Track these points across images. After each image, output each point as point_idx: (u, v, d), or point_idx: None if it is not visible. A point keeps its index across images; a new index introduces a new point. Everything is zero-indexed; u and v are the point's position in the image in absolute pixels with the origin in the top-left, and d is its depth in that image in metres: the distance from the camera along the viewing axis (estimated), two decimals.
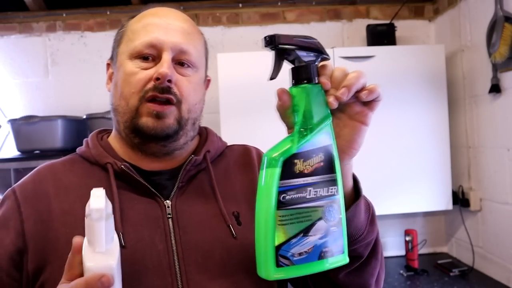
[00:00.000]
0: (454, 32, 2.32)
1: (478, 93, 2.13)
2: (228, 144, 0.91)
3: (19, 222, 0.74)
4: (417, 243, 2.28)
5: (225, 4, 2.48)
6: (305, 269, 0.56)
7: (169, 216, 0.75)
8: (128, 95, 0.75)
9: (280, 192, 0.55)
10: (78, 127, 2.19)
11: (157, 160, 0.80)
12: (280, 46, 0.58)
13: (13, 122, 2.11)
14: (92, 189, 0.58)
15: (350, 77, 0.59)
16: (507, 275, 1.96)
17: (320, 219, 0.57)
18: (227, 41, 2.48)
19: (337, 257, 0.58)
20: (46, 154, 2.05)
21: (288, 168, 0.55)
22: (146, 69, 0.75)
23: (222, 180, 0.82)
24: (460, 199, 2.25)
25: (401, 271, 2.19)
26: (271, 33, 0.58)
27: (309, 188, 0.56)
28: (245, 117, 2.08)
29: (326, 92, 0.59)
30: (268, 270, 0.55)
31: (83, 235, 0.56)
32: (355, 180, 0.70)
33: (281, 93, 0.59)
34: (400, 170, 2.16)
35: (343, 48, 2.33)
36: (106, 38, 2.44)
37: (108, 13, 2.45)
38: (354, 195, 0.70)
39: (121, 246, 0.70)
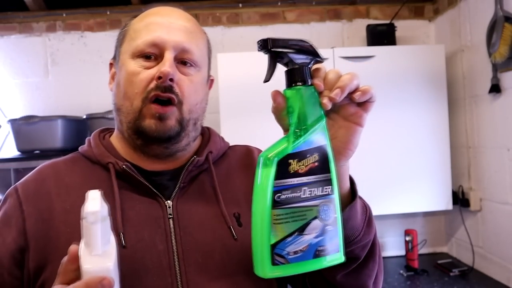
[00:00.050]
0: (454, 32, 2.32)
1: (478, 93, 2.13)
2: (231, 144, 0.91)
3: (21, 220, 0.74)
4: (417, 243, 2.28)
5: (225, 4, 2.48)
6: (300, 267, 0.57)
7: (170, 216, 0.75)
8: (132, 96, 0.75)
9: (275, 192, 0.56)
10: (78, 127, 2.19)
11: (159, 160, 0.80)
12: (273, 49, 0.59)
13: (13, 122, 2.12)
14: (93, 188, 0.58)
15: (343, 78, 0.60)
16: (507, 275, 1.96)
17: (315, 218, 0.58)
18: (227, 41, 2.48)
19: (333, 255, 0.59)
20: (46, 154, 2.05)
21: (283, 168, 0.57)
22: (148, 68, 0.75)
23: (224, 181, 0.82)
24: (460, 199, 2.25)
25: (401, 271, 2.20)
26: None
27: (304, 188, 0.57)
28: (245, 117, 2.08)
29: (320, 93, 0.60)
30: (264, 268, 0.56)
31: None
32: (352, 181, 0.70)
33: (275, 95, 0.60)
34: (400, 170, 2.16)
35: (343, 48, 2.33)
36: (106, 38, 2.44)
37: (108, 13, 2.45)
38: (351, 196, 0.70)
39: (122, 246, 0.70)
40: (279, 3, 2.48)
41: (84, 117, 2.17)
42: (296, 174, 0.57)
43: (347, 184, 0.69)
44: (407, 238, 2.28)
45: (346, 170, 0.67)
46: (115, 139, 0.83)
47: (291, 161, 0.57)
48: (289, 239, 0.56)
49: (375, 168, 2.12)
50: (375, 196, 2.11)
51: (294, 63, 0.60)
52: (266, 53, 0.60)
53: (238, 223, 0.77)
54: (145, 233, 0.73)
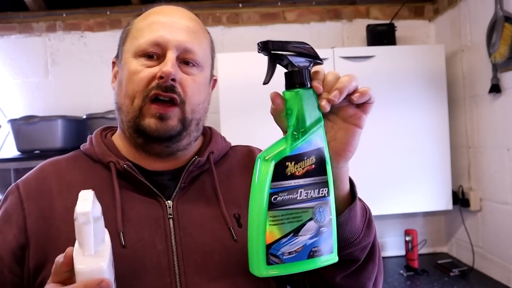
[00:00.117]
0: (454, 32, 2.32)
1: (478, 93, 2.13)
2: (232, 144, 0.91)
3: (22, 217, 0.74)
4: (417, 243, 2.28)
5: (225, 4, 2.48)
6: (294, 267, 0.58)
7: (170, 216, 0.75)
8: (132, 94, 0.75)
9: (271, 194, 0.57)
10: (78, 127, 2.19)
11: (160, 160, 0.80)
12: (272, 52, 0.60)
13: (13, 122, 2.12)
14: (94, 187, 0.58)
15: (342, 80, 0.60)
16: (507, 275, 1.96)
17: (310, 219, 0.59)
18: (227, 41, 2.48)
19: (327, 256, 0.60)
20: (46, 154, 2.05)
21: (280, 170, 0.57)
22: (150, 67, 0.75)
23: (225, 182, 0.81)
24: (460, 199, 2.25)
25: (401, 271, 2.20)
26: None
27: (300, 190, 0.58)
28: (245, 117, 2.08)
29: (318, 96, 0.60)
30: (259, 267, 0.58)
31: None
32: (351, 183, 0.70)
33: (274, 97, 0.60)
34: (400, 170, 2.16)
35: (343, 48, 2.33)
36: (106, 38, 2.44)
37: (108, 13, 2.45)
38: (351, 198, 0.70)
39: (121, 246, 0.70)
40: (279, 3, 2.48)
41: (84, 117, 2.17)
42: (293, 176, 0.58)
43: (346, 186, 0.68)
44: (407, 238, 2.28)
45: (345, 172, 0.67)
46: (117, 138, 0.83)
47: (288, 163, 0.58)
48: (284, 240, 0.57)
49: (375, 168, 2.12)
50: (375, 196, 2.11)
51: (294, 65, 0.60)
52: (266, 55, 0.61)
53: (238, 224, 0.77)
54: (145, 233, 0.73)
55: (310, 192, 0.59)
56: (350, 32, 2.53)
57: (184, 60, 0.76)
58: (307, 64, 0.61)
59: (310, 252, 0.59)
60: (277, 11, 2.51)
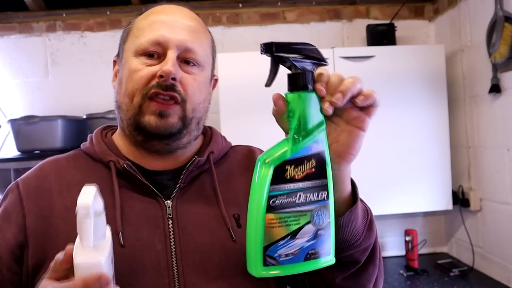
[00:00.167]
0: (454, 32, 2.32)
1: (478, 93, 2.13)
2: (233, 144, 0.91)
3: (21, 216, 0.74)
4: (417, 243, 2.28)
5: (225, 4, 2.48)
6: (290, 269, 0.59)
7: (169, 216, 0.75)
8: (132, 92, 0.75)
9: (270, 197, 0.57)
10: (78, 127, 2.19)
11: (160, 158, 0.80)
12: (276, 54, 0.59)
13: (13, 122, 2.12)
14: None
15: (346, 82, 0.59)
16: (507, 275, 1.96)
17: (308, 223, 0.59)
18: (227, 41, 2.48)
19: (324, 258, 0.60)
20: (46, 154, 2.05)
21: (280, 174, 0.57)
22: (151, 66, 0.75)
23: (225, 182, 0.81)
24: (460, 199, 2.25)
25: (401, 271, 2.20)
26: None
27: (299, 193, 0.58)
28: (245, 117, 2.08)
29: (321, 98, 0.60)
30: (256, 268, 0.58)
31: None
32: (353, 185, 0.70)
33: (276, 98, 0.60)
34: (400, 170, 2.16)
35: (343, 48, 2.33)
36: (106, 38, 2.44)
37: (108, 13, 2.45)
38: (353, 200, 0.69)
39: (120, 245, 0.70)
40: (279, 3, 2.48)
41: (84, 117, 2.18)
42: (292, 180, 0.58)
43: (348, 188, 0.68)
44: (407, 238, 2.28)
45: (347, 174, 0.67)
46: (117, 137, 0.83)
47: (287, 167, 0.57)
48: (281, 242, 0.57)
49: (375, 168, 2.12)
50: (375, 196, 2.11)
51: (297, 67, 0.59)
52: (268, 56, 0.60)
53: (238, 224, 0.77)
54: (144, 233, 0.73)
55: (309, 196, 0.58)
56: (350, 32, 2.53)
57: (185, 60, 0.76)
58: (310, 66, 0.60)
59: (307, 254, 0.59)
60: (277, 11, 2.51)
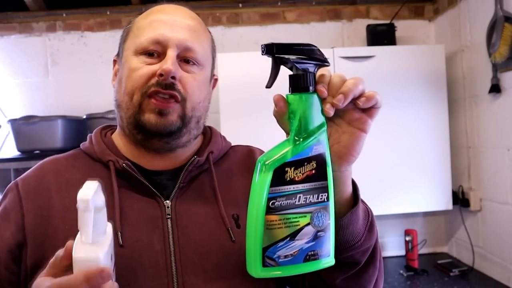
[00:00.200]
0: (454, 32, 2.32)
1: (478, 93, 2.13)
2: (233, 144, 0.90)
3: (20, 215, 0.74)
4: (417, 243, 2.28)
5: (225, 4, 2.48)
6: (289, 270, 0.59)
7: (169, 216, 0.75)
8: (132, 91, 0.75)
9: (269, 199, 0.57)
10: (78, 127, 2.19)
11: (160, 157, 0.80)
12: (277, 55, 0.59)
13: (13, 122, 2.12)
14: None
15: (347, 83, 0.59)
16: (507, 275, 1.96)
17: (308, 224, 0.58)
18: (227, 41, 2.48)
19: (323, 260, 0.60)
20: (46, 154, 2.04)
21: (279, 176, 0.57)
22: (150, 64, 0.75)
23: (224, 182, 0.81)
24: (460, 199, 2.25)
25: (401, 271, 2.19)
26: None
27: (299, 195, 0.58)
28: (245, 117, 2.08)
29: (323, 99, 0.59)
30: (255, 268, 0.58)
31: None
32: (355, 186, 0.69)
33: (277, 100, 0.60)
34: (400, 170, 2.16)
35: (343, 48, 2.33)
36: (106, 38, 2.44)
37: (108, 13, 2.45)
38: (354, 201, 0.69)
39: (119, 245, 0.70)
40: (279, 3, 2.48)
41: (84, 117, 2.18)
42: (292, 182, 0.57)
43: (349, 189, 0.68)
44: (407, 238, 2.28)
45: (348, 175, 0.66)
46: (116, 136, 0.83)
47: (287, 168, 0.57)
48: (281, 243, 0.57)
49: (375, 168, 2.12)
50: (375, 196, 2.11)
51: (298, 68, 0.59)
52: (269, 57, 0.60)
53: (237, 224, 0.77)
54: (143, 233, 0.73)
55: (309, 197, 0.58)
56: (350, 32, 2.53)
57: (185, 59, 0.77)
58: (312, 67, 0.60)
59: (306, 256, 0.59)
60: (277, 11, 2.51)
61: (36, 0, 2.35)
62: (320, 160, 0.59)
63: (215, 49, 0.86)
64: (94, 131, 0.85)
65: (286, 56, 0.59)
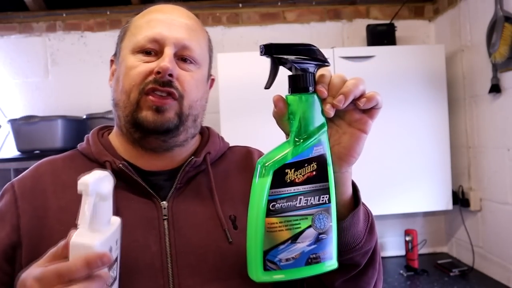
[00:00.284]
0: (454, 32, 2.32)
1: (478, 93, 2.13)
2: (231, 145, 0.90)
3: (16, 216, 0.74)
4: (417, 243, 2.28)
5: (225, 4, 2.48)
6: (291, 273, 0.57)
7: (165, 217, 0.75)
8: (129, 89, 0.75)
9: (270, 201, 0.56)
10: (78, 127, 2.19)
11: (157, 157, 0.79)
12: (275, 55, 0.58)
13: (13, 122, 2.12)
14: None
15: (348, 84, 0.58)
16: (507, 275, 1.96)
17: (309, 227, 0.57)
18: (227, 41, 2.48)
19: (326, 263, 0.59)
20: (46, 154, 2.03)
21: (279, 177, 0.56)
22: (148, 62, 0.75)
23: (221, 183, 0.81)
24: (460, 199, 2.25)
25: (401, 271, 2.19)
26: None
27: (299, 197, 0.57)
28: (245, 117, 2.08)
29: (323, 100, 0.58)
30: (256, 272, 0.57)
31: None
32: (355, 188, 0.69)
33: (277, 100, 0.59)
34: (400, 170, 2.16)
35: (343, 48, 2.33)
36: (106, 38, 2.44)
37: (108, 13, 2.45)
38: (354, 203, 0.68)
39: None
40: (279, 3, 2.48)
41: (84, 117, 2.18)
42: (293, 183, 0.57)
43: (349, 190, 0.67)
44: (407, 238, 2.28)
45: (348, 177, 0.66)
46: (113, 137, 0.83)
47: (288, 170, 0.56)
48: (282, 246, 0.56)
49: (375, 168, 2.12)
50: (375, 196, 2.11)
51: (297, 68, 0.58)
52: (268, 58, 0.59)
53: (234, 225, 0.76)
54: (139, 234, 0.72)
55: (310, 199, 0.57)
56: (350, 32, 2.53)
57: (182, 57, 0.77)
58: (311, 67, 0.59)
59: (308, 259, 0.58)
60: (277, 11, 2.51)
61: (36, 0, 2.35)
62: (321, 161, 0.58)
63: (212, 48, 0.86)
64: (91, 131, 0.85)
65: (285, 57, 0.58)
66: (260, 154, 0.89)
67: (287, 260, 0.57)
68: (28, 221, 0.73)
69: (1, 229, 0.74)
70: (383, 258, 2.43)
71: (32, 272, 0.54)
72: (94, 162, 0.79)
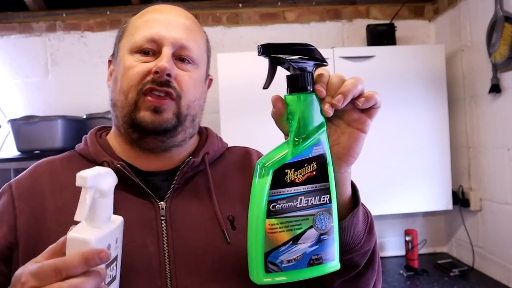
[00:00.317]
0: (454, 32, 2.32)
1: (478, 93, 2.13)
2: (229, 145, 0.90)
3: (13, 217, 0.73)
4: (417, 243, 2.28)
5: (225, 4, 2.48)
6: (293, 275, 0.57)
7: (163, 218, 0.74)
8: (127, 89, 0.75)
9: (270, 202, 0.55)
10: (78, 127, 2.19)
11: (155, 157, 0.79)
12: (273, 55, 0.58)
13: (13, 122, 2.11)
14: None
15: (347, 83, 0.58)
16: (507, 275, 1.96)
17: (310, 227, 0.57)
18: (227, 41, 2.48)
19: (328, 264, 0.58)
20: (46, 154, 2.05)
21: (279, 178, 0.56)
22: (145, 62, 0.75)
23: (220, 183, 0.80)
24: (460, 199, 2.25)
25: (401, 271, 2.19)
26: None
27: (300, 197, 0.56)
28: (245, 117, 2.08)
29: (322, 100, 0.58)
30: (258, 274, 0.56)
31: None
32: (354, 188, 0.69)
33: (275, 100, 0.59)
34: (400, 170, 2.16)
35: (343, 48, 2.33)
36: (106, 38, 2.44)
37: (108, 13, 2.45)
38: (353, 203, 0.68)
39: None
40: (279, 3, 2.48)
41: (84, 117, 2.18)
42: (293, 184, 0.56)
43: (348, 191, 0.67)
44: (407, 238, 2.28)
45: (347, 177, 0.65)
46: (111, 137, 0.83)
47: (287, 170, 0.56)
48: (283, 248, 0.56)
49: (375, 168, 2.12)
50: (375, 196, 2.11)
51: (296, 68, 0.58)
52: (266, 58, 0.59)
53: (232, 226, 0.76)
54: (136, 234, 0.72)
55: (311, 200, 0.57)
56: (350, 32, 2.53)
57: (180, 57, 0.76)
58: (310, 66, 0.59)
59: (310, 260, 0.57)
60: (277, 11, 2.51)
61: (36, 0, 2.35)
62: (320, 161, 0.58)
63: (210, 48, 0.85)
64: (89, 132, 0.85)
65: (283, 56, 0.57)
66: (259, 154, 0.88)
67: (288, 261, 0.56)
68: (25, 222, 0.73)
69: None
70: (383, 258, 2.43)
71: (28, 267, 0.54)
72: (92, 163, 0.78)
